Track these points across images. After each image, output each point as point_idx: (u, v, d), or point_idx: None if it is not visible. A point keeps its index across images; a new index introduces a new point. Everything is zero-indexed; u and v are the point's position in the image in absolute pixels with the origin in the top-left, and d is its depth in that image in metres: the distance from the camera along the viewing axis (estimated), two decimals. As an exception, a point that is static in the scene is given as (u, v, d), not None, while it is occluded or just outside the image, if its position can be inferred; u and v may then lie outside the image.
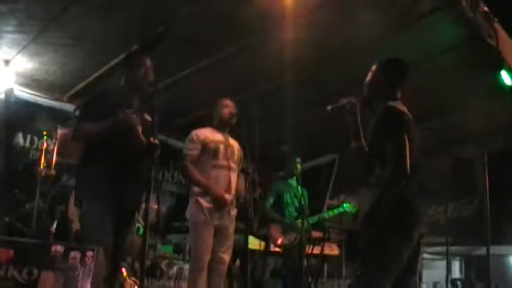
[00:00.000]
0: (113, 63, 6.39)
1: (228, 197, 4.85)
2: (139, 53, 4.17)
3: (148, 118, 3.93)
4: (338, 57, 6.06)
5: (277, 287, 7.37)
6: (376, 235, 3.25)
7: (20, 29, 5.81)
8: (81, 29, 5.78)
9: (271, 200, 6.85)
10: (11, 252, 2.76)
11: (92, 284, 2.79)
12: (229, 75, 6.51)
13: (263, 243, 7.10)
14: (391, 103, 3.55)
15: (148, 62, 4.07)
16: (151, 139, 3.62)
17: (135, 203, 3.96)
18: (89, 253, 2.86)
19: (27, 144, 7.49)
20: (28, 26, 5.74)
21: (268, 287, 7.70)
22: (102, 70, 6.62)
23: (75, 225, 5.04)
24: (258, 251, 7.18)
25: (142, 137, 3.77)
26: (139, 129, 3.77)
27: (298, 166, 6.90)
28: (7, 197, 6.16)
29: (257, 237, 7.08)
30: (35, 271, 2.74)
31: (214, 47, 6.00)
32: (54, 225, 5.26)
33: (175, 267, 5.73)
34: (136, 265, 5.21)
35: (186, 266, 5.75)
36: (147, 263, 5.42)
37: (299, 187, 6.82)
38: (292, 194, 6.93)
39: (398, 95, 3.67)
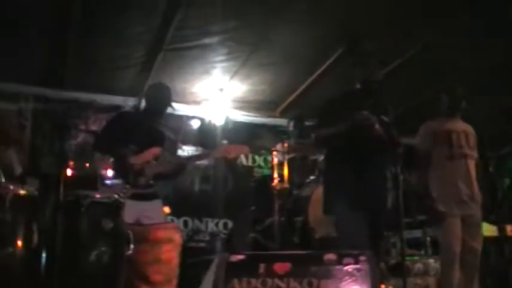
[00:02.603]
0: (319, 71, 6.51)
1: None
2: (366, 54, 4.17)
3: (385, 118, 3.91)
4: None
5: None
6: None
7: (231, 56, 6.17)
8: (285, 46, 5.98)
9: (507, 180, 6.40)
10: (288, 265, 2.88)
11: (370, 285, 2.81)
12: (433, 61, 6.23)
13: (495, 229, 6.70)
14: None
15: (374, 61, 4.07)
16: (393, 137, 3.61)
17: (383, 202, 3.95)
18: (362, 257, 2.90)
19: (250, 163, 7.92)
20: (237, 52, 6.08)
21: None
22: (308, 81, 6.77)
23: (318, 234, 5.15)
24: (492, 237, 6.78)
25: (384, 136, 3.74)
26: (378, 128, 3.75)
27: None
28: (246, 215, 6.52)
29: (490, 222, 6.70)
30: (314, 281, 2.83)
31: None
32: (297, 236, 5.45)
33: (419, 264, 5.60)
34: (382, 265, 5.17)
35: (430, 261, 5.59)
36: (392, 261, 5.38)
37: None
38: (526, 172, 6.46)
39: None
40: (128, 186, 4.19)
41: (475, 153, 4.87)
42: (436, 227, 4.80)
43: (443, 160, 4.75)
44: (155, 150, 4.49)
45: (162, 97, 4.74)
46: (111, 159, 4.31)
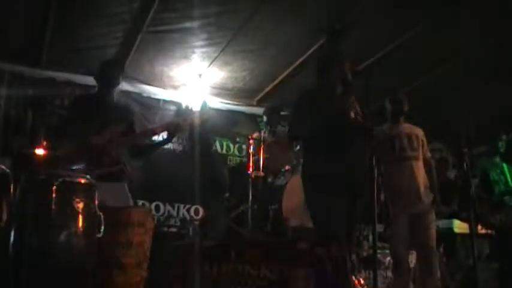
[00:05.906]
0: (298, 61, 6.50)
1: None
2: (336, 48, 4.23)
3: (358, 107, 3.94)
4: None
5: (489, 271, 6.95)
6: None
7: (211, 42, 6.11)
8: (267, 33, 5.93)
9: (476, 180, 6.47)
10: (260, 252, 2.88)
11: (341, 276, 2.82)
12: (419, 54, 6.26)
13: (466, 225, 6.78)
14: None
15: (345, 58, 4.10)
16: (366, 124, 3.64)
17: (360, 188, 3.97)
18: (334, 247, 2.90)
19: (224, 151, 7.90)
20: (218, 38, 6.02)
21: (480, 272, 7.30)
22: (288, 70, 6.75)
23: (291, 223, 5.17)
24: (463, 234, 6.86)
25: (358, 122, 3.77)
26: (353, 115, 3.78)
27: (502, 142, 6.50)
28: (220, 202, 6.53)
29: (461, 219, 6.78)
30: (285, 269, 2.83)
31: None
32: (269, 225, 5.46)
33: (389, 257, 5.66)
34: (353, 257, 5.22)
35: (400, 255, 5.67)
36: (363, 254, 5.42)
37: (504, 165, 6.44)
38: (499, 171, 6.52)
39: None
40: (91, 167, 4.11)
41: (421, 154, 4.92)
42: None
43: (389, 164, 4.86)
44: (117, 128, 4.37)
45: (107, 73, 4.59)
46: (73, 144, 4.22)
